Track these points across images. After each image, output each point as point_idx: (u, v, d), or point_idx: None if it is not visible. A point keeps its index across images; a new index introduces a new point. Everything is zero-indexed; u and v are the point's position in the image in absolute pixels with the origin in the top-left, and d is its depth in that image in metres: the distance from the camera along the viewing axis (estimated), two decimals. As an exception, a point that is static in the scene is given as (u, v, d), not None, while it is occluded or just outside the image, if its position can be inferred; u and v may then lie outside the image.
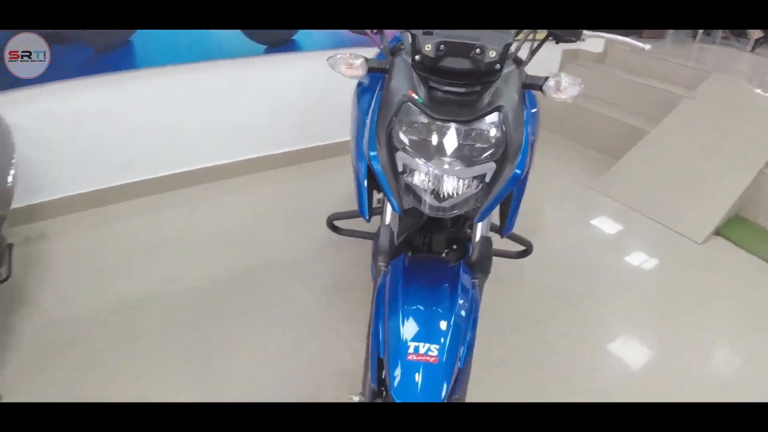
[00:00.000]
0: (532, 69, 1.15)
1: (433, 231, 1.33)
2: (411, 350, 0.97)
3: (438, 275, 1.12)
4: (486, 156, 0.99)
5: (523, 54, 1.17)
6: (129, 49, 2.25)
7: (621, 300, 2.18)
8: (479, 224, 1.14)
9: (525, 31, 1.15)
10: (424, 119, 0.99)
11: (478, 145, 0.99)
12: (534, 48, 1.13)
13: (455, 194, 1.01)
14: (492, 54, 0.94)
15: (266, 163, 2.95)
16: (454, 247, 1.37)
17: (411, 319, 1.02)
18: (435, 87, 1.00)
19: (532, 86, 1.07)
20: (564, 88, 1.03)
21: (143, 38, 2.25)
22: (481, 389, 1.43)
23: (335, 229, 1.47)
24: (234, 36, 2.51)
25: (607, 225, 2.77)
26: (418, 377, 0.95)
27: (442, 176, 0.99)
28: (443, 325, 1.01)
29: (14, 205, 1.86)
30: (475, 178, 1.01)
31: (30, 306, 1.92)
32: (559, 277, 2.25)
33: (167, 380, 1.65)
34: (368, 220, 1.13)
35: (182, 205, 2.60)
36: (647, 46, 1.09)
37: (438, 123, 0.98)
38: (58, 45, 1.99)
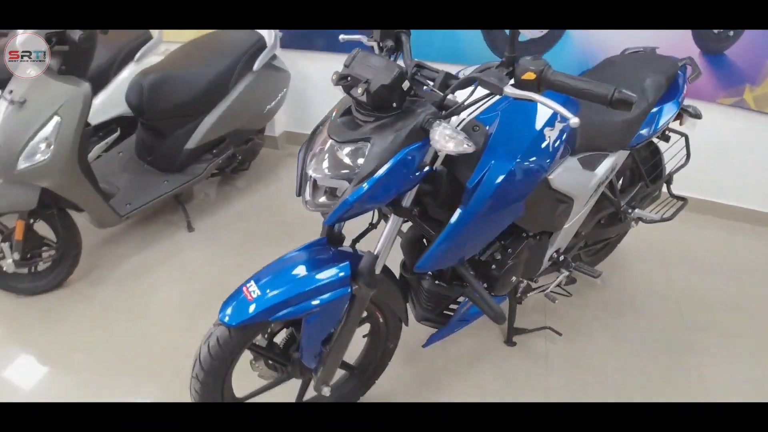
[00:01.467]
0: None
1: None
2: (248, 284, 1.25)
3: (327, 260, 1.29)
4: (341, 174, 1.11)
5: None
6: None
7: None
8: (378, 243, 1.28)
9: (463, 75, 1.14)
10: (325, 130, 1.18)
11: (340, 162, 1.12)
12: (470, 97, 1.10)
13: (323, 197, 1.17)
14: (359, 91, 1.06)
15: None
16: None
17: (271, 268, 1.29)
18: (352, 110, 1.16)
19: (426, 131, 1.09)
20: (443, 140, 1.05)
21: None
22: None
23: None
24: (479, 44, 2.67)
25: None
26: (233, 300, 1.25)
27: (310, 177, 1.17)
28: (282, 286, 1.23)
29: (293, 130, 3.40)
30: (330, 190, 1.15)
31: (250, 190, 2.92)
32: None
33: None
34: (297, 195, 1.26)
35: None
36: (573, 120, 0.97)
37: (326, 136, 1.15)
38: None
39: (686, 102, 2.04)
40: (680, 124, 2.01)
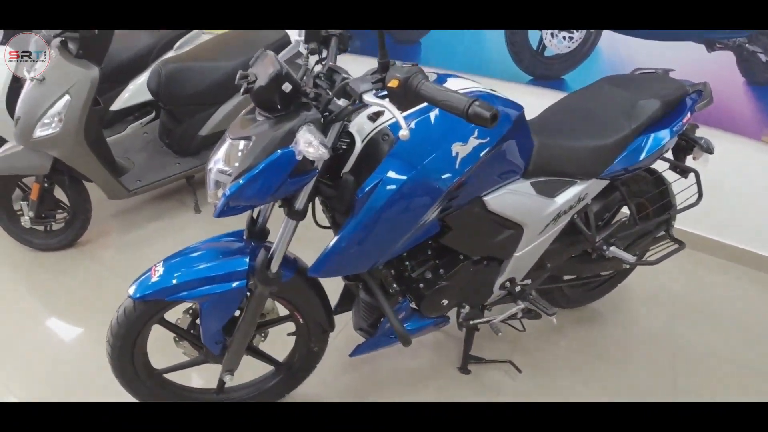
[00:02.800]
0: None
1: None
2: (159, 264, 1.31)
3: (233, 253, 1.32)
4: (229, 170, 1.12)
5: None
6: (417, 47, 2.83)
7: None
8: (272, 246, 1.28)
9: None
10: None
11: (228, 158, 1.13)
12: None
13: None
14: (241, 90, 1.09)
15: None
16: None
17: (183, 252, 1.34)
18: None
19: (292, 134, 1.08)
20: (299, 143, 1.05)
21: (430, 41, 2.78)
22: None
23: None
24: (503, 58, 2.60)
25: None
26: (141, 277, 1.31)
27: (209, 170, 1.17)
28: (183, 270, 1.28)
29: None
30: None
31: None
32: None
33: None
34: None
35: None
36: (403, 132, 0.96)
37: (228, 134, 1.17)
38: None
39: (709, 134, 1.83)
40: (693, 158, 1.79)
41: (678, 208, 1.83)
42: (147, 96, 2.62)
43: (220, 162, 1.17)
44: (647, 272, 2.29)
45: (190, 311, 1.47)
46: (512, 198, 1.42)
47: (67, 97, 2.00)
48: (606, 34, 2.31)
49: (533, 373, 1.87)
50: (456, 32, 2.63)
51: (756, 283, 2.44)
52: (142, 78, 2.64)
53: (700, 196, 1.81)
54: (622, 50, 2.30)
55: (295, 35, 2.67)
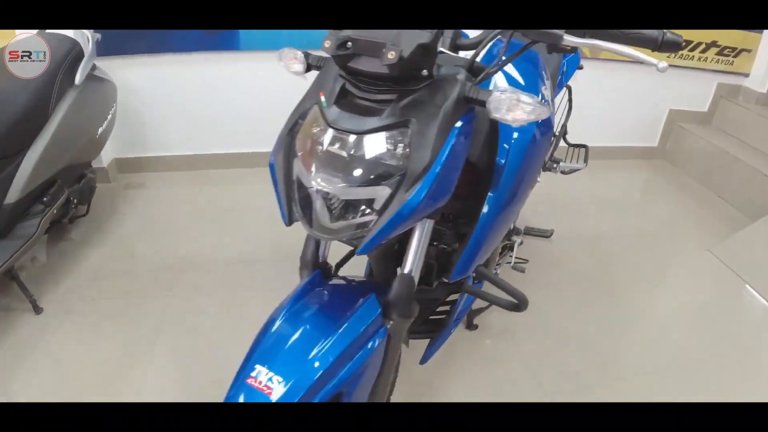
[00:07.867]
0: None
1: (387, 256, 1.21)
2: (254, 373, 0.87)
3: (342, 303, 0.99)
4: (376, 177, 0.85)
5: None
6: (234, 33, 2.55)
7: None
8: (407, 261, 1.01)
9: (492, 32, 1.02)
10: (321, 125, 0.89)
11: (368, 162, 0.85)
12: (504, 54, 0.95)
13: (344, 216, 0.89)
14: (391, 55, 0.79)
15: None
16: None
17: (275, 339, 0.92)
18: (350, 90, 0.90)
19: (475, 101, 0.89)
20: (512, 108, 0.85)
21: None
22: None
23: None
24: None
25: (711, 300, 2.25)
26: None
27: (323, 193, 0.87)
28: (308, 359, 0.89)
29: (125, 155, 2.80)
30: (363, 201, 0.87)
31: (94, 239, 2.28)
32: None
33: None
34: (288, 224, 0.95)
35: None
36: (662, 64, 0.85)
37: (331, 131, 0.87)
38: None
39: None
40: (560, 77, 2.12)
41: (562, 122, 2.18)
42: None
43: (348, 175, 0.86)
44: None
45: None
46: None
47: None
48: None
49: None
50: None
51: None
52: None
53: (571, 107, 2.18)
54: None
55: (83, 41, 1.98)
